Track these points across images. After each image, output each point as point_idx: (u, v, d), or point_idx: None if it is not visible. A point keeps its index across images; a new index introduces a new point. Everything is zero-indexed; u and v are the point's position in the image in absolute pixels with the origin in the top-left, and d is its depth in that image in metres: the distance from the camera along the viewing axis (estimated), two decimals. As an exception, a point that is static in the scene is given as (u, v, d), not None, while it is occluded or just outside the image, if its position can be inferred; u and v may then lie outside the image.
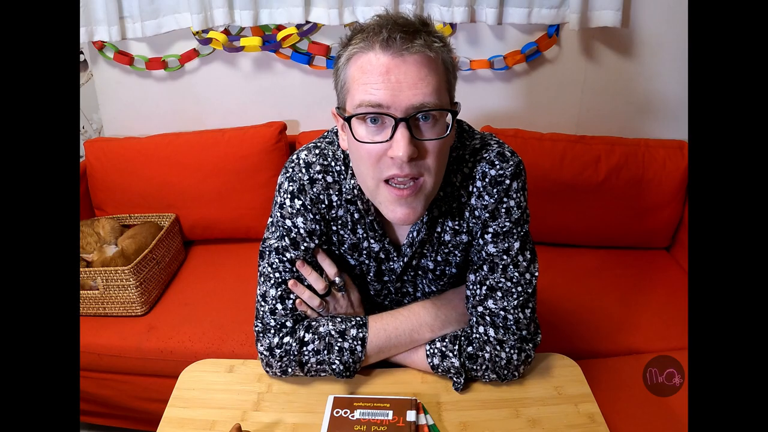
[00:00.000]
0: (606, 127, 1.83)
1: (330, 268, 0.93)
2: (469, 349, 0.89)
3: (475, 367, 0.89)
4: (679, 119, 1.80)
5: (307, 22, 1.74)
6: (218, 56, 1.85)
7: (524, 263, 0.89)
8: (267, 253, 0.92)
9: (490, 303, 0.89)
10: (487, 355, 0.89)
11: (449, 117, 0.78)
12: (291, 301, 0.92)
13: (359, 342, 0.89)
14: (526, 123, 1.81)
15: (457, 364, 0.89)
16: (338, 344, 0.89)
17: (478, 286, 0.90)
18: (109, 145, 1.88)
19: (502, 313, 0.88)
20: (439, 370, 0.90)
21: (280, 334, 0.91)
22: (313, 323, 0.91)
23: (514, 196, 0.87)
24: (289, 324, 0.91)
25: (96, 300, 1.57)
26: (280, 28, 1.76)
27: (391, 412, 0.83)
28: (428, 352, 0.91)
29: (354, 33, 0.78)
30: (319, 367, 0.90)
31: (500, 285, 0.88)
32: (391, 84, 0.73)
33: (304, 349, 0.90)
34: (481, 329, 0.89)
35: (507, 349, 0.88)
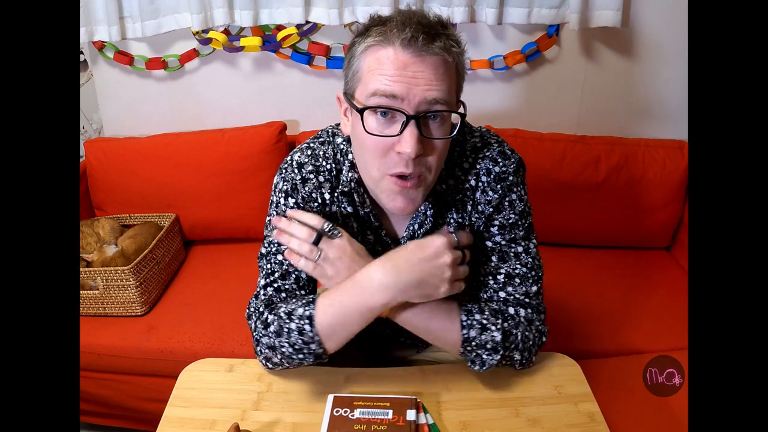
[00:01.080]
0: (606, 127, 1.83)
1: (311, 219, 0.85)
2: (506, 325, 0.88)
3: (506, 344, 0.87)
4: (679, 119, 1.80)
5: (307, 22, 1.74)
6: (218, 56, 1.85)
7: (534, 249, 0.93)
8: (266, 244, 0.94)
9: (510, 289, 0.91)
10: (519, 335, 0.88)
11: (455, 116, 0.81)
12: (273, 289, 0.91)
13: (306, 321, 0.83)
14: (526, 123, 1.81)
15: (498, 338, 0.86)
16: (287, 326, 0.84)
17: (491, 277, 0.92)
18: (109, 145, 1.88)
19: (524, 298, 0.91)
20: (473, 344, 0.86)
21: (253, 318, 0.92)
22: (279, 303, 0.89)
23: (516, 189, 0.90)
24: (261, 308, 0.91)
25: (96, 300, 1.57)
26: (280, 28, 1.76)
27: (391, 411, 0.83)
28: (465, 323, 0.86)
29: (372, 23, 0.79)
30: (283, 350, 0.87)
31: (517, 271, 0.91)
32: (407, 78, 0.75)
33: (268, 330, 0.87)
34: (512, 310, 0.89)
35: (534, 331, 0.90)
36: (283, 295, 0.93)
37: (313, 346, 0.84)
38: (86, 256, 1.63)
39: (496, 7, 1.63)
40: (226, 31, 1.78)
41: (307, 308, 0.84)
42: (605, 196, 1.74)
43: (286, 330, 0.85)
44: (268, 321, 0.88)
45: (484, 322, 0.86)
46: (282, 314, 0.86)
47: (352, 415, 0.83)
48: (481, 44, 1.77)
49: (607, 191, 1.74)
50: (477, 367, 0.88)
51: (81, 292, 1.56)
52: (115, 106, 1.97)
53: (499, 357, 0.86)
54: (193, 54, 1.83)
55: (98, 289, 1.56)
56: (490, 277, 0.92)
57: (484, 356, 0.87)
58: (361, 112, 0.78)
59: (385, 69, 0.75)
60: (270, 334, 0.87)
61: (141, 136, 1.92)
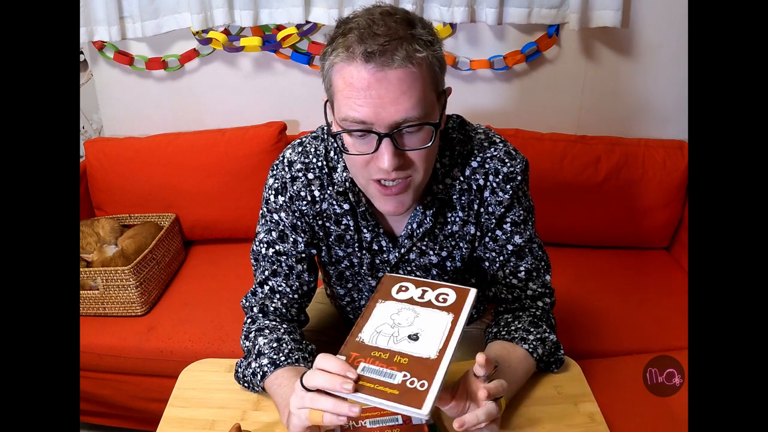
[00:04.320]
0: (606, 127, 1.83)
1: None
2: (547, 324, 0.96)
3: (555, 335, 0.96)
4: (679, 119, 1.80)
5: (307, 22, 1.74)
6: (218, 56, 1.85)
7: (539, 240, 0.97)
8: (257, 243, 0.97)
9: (531, 284, 0.96)
10: (552, 320, 0.98)
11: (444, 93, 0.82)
12: (268, 287, 0.96)
13: (260, 374, 0.88)
14: (526, 123, 1.80)
15: (554, 337, 0.94)
16: (251, 358, 0.91)
17: (513, 277, 0.96)
18: (109, 145, 1.88)
19: (544, 289, 0.98)
20: (543, 357, 0.92)
21: (246, 314, 0.99)
22: (265, 329, 0.94)
23: (523, 187, 0.93)
24: (255, 310, 0.97)
25: (96, 300, 1.57)
26: (280, 28, 1.76)
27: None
28: (529, 350, 0.90)
29: (338, 30, 0.77)
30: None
31: (534, 266, 0.96)
32: (373, 100, 0.73)
33: (243, 341, 0.96)
34: (539, 303, 0.97)
35: (552, 312, 0.98)
36: (277, 297, 0.97)
37: (257, 389, 0.91)
38: (86, 256, 1.63)
39: (496, 7, 1.63)
40: (226, 31, 1.78)
41: (268, 367, 0.88)
42: (605, 196, 1.74)
43: (250, 360, 0.91)
44: (248, 338, 0.95)
45: (539, 336, 0.92)
46: (255, 347, 0.92)
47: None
48: (481, 44, 1.77)
49: (607, 191, 1.74)
50: (555, 368, 0.94)
51: (81, 292, 1.56)
52: (115, 106, 1.97)
53: (562, 350, 0.95)
54: (193, 54, 1.83)
55: (98, 289, 1.55)
56: (512, 277, 0.96)
57: (559, 354, 0.94)
58: (334, 136, 0.80)
59: (351, 92, 0.74)
60: (242, 346, 0.96)
61: (141, 136, 1.92)
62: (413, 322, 0.76)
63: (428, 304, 0.78)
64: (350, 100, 0.74)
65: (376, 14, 0.75)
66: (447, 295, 0.79)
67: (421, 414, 0.66)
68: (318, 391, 0.70)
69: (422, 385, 0.68)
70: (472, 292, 0.79)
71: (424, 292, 0.80)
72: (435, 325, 0.75)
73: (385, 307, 0.78)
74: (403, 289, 0.81)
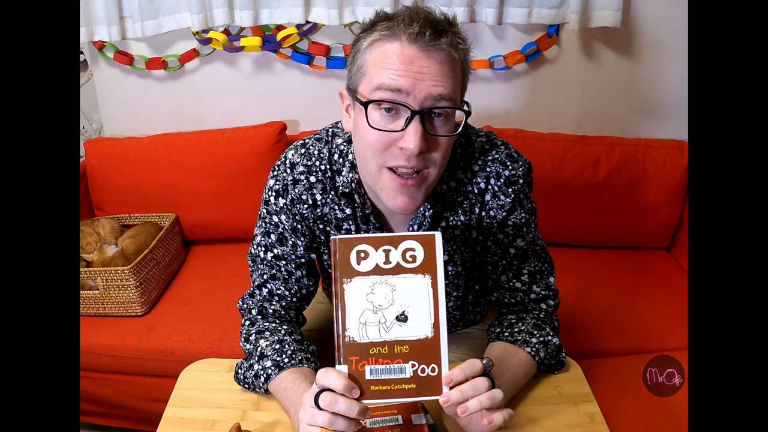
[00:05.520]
0: (606, 127, 1.83)
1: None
2: (551, 327, 0.95)
3: (558, 338, 0.95)
4: (679, 119, 1.80)
5: (307, 22, 1.74)
6: (218, 56, 1.85)
7: (542, 242, 0.97)
8: (254, 245, 0.96)
9: (535, 287, 0.96)
10: (556, 323, 0.97)
11: (459, 115, 0.81)
12: (267, 290, 0.95)
13: (264, 377, 0.88)
14: (526, 123, 1.80)
15: (557, 341, 0.93)
16: (254, 361, 0.90)
17: (516, 280, 0.95)
18: (109, 145, 1.88)
19: (548, 291, 0.97)
20: (545, 360, 0.91)
21: (243, 317, 0.99)
22: (266, 331, 0.94)
23: (525, 190, 0.92)
24: (253, 312, 0.97)
25: (96, 300, 1.57)
26: (280, 28, 1.76)
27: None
28: (532, 353, 0.90)
29: (379, 18, 0.78)
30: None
31: (537, 268, 0.95)
32: (413, 72, 0.74)
33: (244, 344, 0.95)
34: (543, 305, 0.96)
35: (556, 314, 0.98)
36: (276, 299, 0.96)
37: (259, 391, 0.90)
38: (86, 256, 1.63)
39: (496, 7, 1.63)
40: (226, 31, 1.78)
41: (271, 370, 0.88)
42: (605, 196, 1.74)
43: (251, 363, 0.91)
44: (249, 340, 0.94)
45: (542, 339, 0.92)
46: (257, 350, 0.91)
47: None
48: (481, 44, 1.77)
49: (607, 191, 1.74)
50: (556, 369, 0.94)
51: (81, 292, 1.56)
52: (115, 106, 1.97)
53: (563, 353, 0.94)
54: (193, 54, 1.83)
55: (98, 289, 1.55)
56: (515, 280, 0.95)
57: (561, 357, 0.94)
58: (365, 105, 0.76)
59: (391, 63, 0.74)
60: (243, 347, 0.95)
61: (141, 136, 1.92)
62: (393, 298, 0.70)
63: (399, 269, 0.70)
64: (388, 70, 0.75)
65: (419, 10, 0.77)
66: (413, 249, 0.71)
67: (440, 397, 0.70)
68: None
69: (433, 370, 0.69)
70: (438, 237, 0.71)
71: (387, 252, 0.71)
72: (416, 295, 0.70)
73: (355, 287, 0.70)
74: (363, 255, 0.71)
